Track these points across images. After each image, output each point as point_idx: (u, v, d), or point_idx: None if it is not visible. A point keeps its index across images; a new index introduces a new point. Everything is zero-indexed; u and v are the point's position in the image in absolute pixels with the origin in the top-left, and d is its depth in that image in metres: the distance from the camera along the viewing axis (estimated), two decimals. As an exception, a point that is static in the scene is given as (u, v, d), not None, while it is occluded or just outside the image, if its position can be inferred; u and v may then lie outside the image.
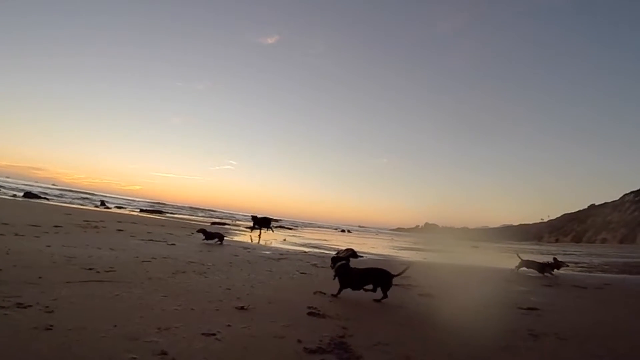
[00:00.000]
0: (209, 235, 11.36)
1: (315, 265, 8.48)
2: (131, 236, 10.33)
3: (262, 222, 18.75)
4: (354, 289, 5.02)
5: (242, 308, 3.92)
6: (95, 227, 11.86)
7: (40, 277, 4.19)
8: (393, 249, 21.57)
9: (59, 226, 10.39)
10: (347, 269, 5.11)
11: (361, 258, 12.29)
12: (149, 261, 6.27)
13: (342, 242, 22.43)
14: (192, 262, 6.69)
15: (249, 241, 14.84)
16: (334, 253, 13.03)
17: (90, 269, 5.02)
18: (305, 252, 12.37)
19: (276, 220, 57.68)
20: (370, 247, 20.06)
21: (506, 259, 20.65)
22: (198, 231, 11.80)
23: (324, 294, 5.22)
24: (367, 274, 5.14)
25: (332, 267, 5.17)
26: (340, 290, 5.04)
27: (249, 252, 9.91)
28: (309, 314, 4.05)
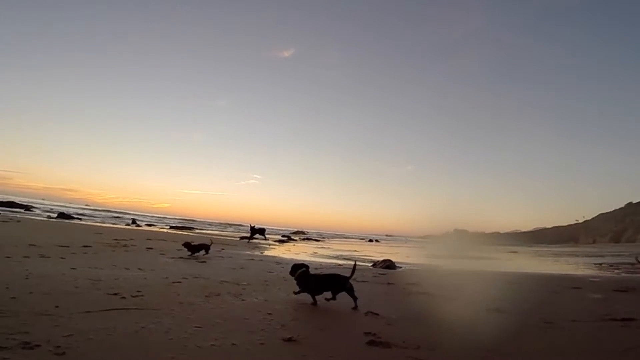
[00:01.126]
0: (193, 249, 10.07)
1: (354, 279, 7.77)
2: (160, 254, 9.91)
3: (259, 231, 23.20)
4: (313, 294, 5.07)
5: (290, 340, 3.28)
6: (125, 245, 11.54)
7: (57, 307, 3.68)
8: (429, 257, 20.54)
9: (87, 246, 10.09)
10: (307, 276, 5.22)
11: (400, 269, 11.48)
12: (180, 282, 5.73)
13: (374, 253, 21.59)
14: (225, 281, 6.13)
15: (281, 255, 14.29)
16: (369, 265, 12.32)
17: (115, 293, 4.50)
18: (339, 265, 11.68)
19: (303, 233, 57.54)
20: (405, 257, 19.12)
21: (552, 263, 19.33)
22: (183, 245, 10.47)
23: (377, 314, 4.54)
24: (325, 280, 5.20)
25: (292, 275, 5.29)
26: (299, 292, 5.16)
27: (282, 267, 9.29)
28: (370, 342, 3.39)
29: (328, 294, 5.01)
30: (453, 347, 3.47)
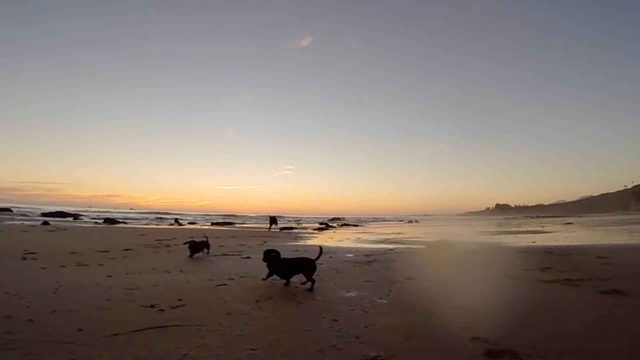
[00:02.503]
0: (195, 248, 8.42)
1: (414, 266, 6.94)
2: (204, 252, 9.41)
3: (274, 220, 25.66)
4: (282, 277, 5.16)
5: (375, 359, 2.49)
6: (167, 246, 11.20)
7: (80, 329, 3.06)
8: (482, 234, 19.31)
9: (129, 249, 9.76)
10: (277, 259, 5.25)
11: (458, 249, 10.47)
12: (225, 284, 5.09)
13: (419, 234, 20.61)
14: (273, 279, 5.44)
15: (324, 243, 13.60)
16: (423, 247, 11.41)
17: (152, 305, 3.89)
18: (390, 249, 10.82)
19: (340, 219, 56.91)
20: (455, 236, 17.98)
21: (621, 233, 17.57)
22: (185, 244, 8.75)
23: (468, 309, 3.70)
24: (293, 263, 5.21)
25: (264, 261, 5.28)
26: (268, 275, 5.25)
27: (330, 257, 8.57)
28: (488, 354, 2.54)
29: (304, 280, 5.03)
30: (618, 349, 2.57)
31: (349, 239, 16.81)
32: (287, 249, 10.62)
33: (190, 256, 8.21)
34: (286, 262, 5.24)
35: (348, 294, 4.53)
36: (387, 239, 16.12)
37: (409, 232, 22.28)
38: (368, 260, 7.87)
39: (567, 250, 9.40)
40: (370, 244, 13.83)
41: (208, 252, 8.78)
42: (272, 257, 5.25)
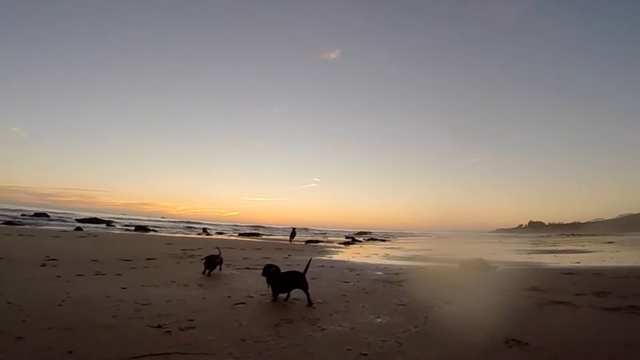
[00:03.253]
0: (211, 264, 7.34)
1: (451, 287, 6.33)
2: (226, 264, 9.08)
3: (294, 233, 26.94)
4: (282, 292, 5.01)
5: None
6: (191, 256, 10.97)
7: (70, 352, 2.70)
8: (519, 253, 18.22)
9: (152, 259, 9.57)
10: (277, 274, 5.07)
11: (497, 269, 9.71)
12: (243, 303, 4.68)
13: (450, 250, 19.65)
14: (296, 299, 4.98)
15: (351, 259, 13.06)
16: (456, 266, 10.68)
17: (159, 325, 3.51)
18: (421, 267, 10.18)
19: (366, 233, 55.89)
20: (490, 254, 16.99)
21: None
22: (202, 260, 7.53)
23: (526, 344, 3.14)
24: (289, 277, 5.03)
25: (264, 275, 5.12)
26: (275, 295, 5.00)
27: (357, 275, 8.05)
28: None
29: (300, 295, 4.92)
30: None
31: (376, 254, 16.20)
32: (312, 265, 10.17)
33: (206, 273, 7.14)
34: (283, 276, 5.08)
35: (378, 320, 4.02)
36: (417, 256, 15.42)
37: (439, 249, 21.38)
38: (398, 279, 7.30)
39: (618, 271, 8.50)
40: (399, 260, 13.19)
41: (220, 269, 7.63)
42: (271, 273, 5.07)
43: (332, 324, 3.81)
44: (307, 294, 4.85)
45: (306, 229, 64.77)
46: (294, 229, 27.80)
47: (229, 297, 5.03)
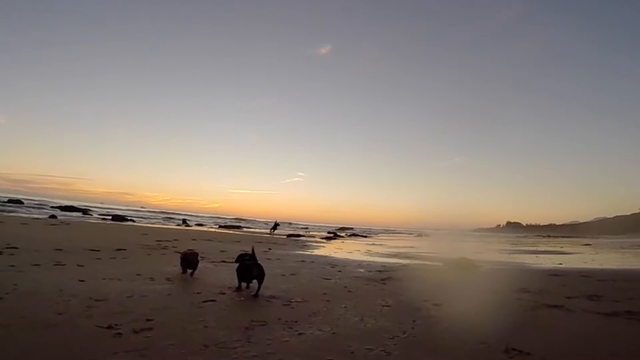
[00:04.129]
0: (190, 264, 5.95)
1: (438, 287, 5.99)
2: (201, 257, 8.55)
3: (276, 226, 27.50)
4: (246, 282, 4.99)
5: None
6: (165, 247, 10.41)
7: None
8: (501, 252, 18.16)
9: (122, 249, 8.98)
10: (245, 265, 5.03)
11: (480, 269, 9.45)
12: (213, 300, 4.21)
13: (433, 248, 19.43)
14: (273, 297, 4.55)
15: (332, 254, 12.68)
16: (440, 264, 10.42)
17: (110, 326, 3.02)
18: (405, 265, 9.85)
19: (348, 229, 55.77)
20: (473, 253, 16.85)
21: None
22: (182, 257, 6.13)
23: (529, 354, 2.78)
24: (252, 268, 4.89)
25: (236, 262, 5.23)
26: (239, 285, 5.01)
27: (339, 271, 7.65)
28: None
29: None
30: None
31: (358, 250, 15.87)
32: (292, 259, 9.74)
33: (188, 273, 5.91)
34: (247, 267, 5.00)
35: (362, 324, 3.60)
36: (399, 253, 15.14)
37: (421, 247, 21.19)
38: (382, 277, 6.93)
39: (603, 274, 8.31)
40: (381, 257, 12.86)
41: (193, 274, 5.89)
42: (243, 262, 5.08)
43: (311, 327, 3.38)
44: (259, 287, 4.75)
45: (289, 223, 64.33)
46: (276, 221, 28.38)
47: (198, 293, 4.56)
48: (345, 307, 4.26)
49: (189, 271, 5.94)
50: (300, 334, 3.16)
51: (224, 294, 4.62)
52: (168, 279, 5.40)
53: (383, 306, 4.38)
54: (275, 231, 26.65)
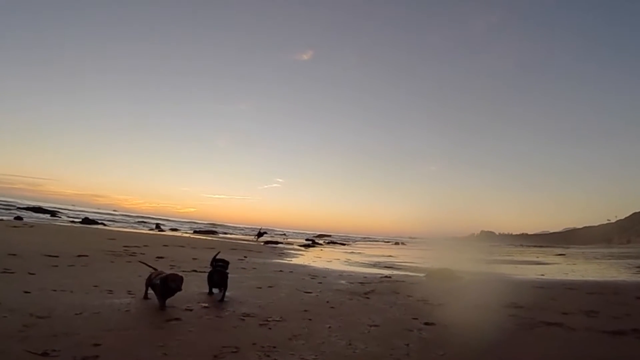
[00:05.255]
0: (167, 291, 4.09)
1: (425, 302, 5.61)
2: (170, 266, 7.94)
3: (262, 233, 27.66)
4: (215, 287, 5.02)
5: None
6: (132, 254, 9.70)
7: None
8: (479, 262, 17.98)
9: (83, 255, 8.26)
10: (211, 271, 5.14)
11: (463, 280, 9.13)
12: (178, 319, 3.66)
13: (412, 258, 19.27)
14: (247, 315, 4.04)
15: (312, 263, 12.20)
16: (421, 275, 10.09)
17: (45, 353, 2.48)
18: (386, 276, 9.46)
19: (326, 236, 55.31)
20: (453, 263, 16.64)
21: (623, 269, 16.40)
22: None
23: None
24: (213, 275, 5.05)
25: (211, 264, 5.26)
26: (210, 290, 5.11)
27: (320, 283, 7.19)
28: None
29: None
30: None
31: (338, 259, 15.42)
32: (269, 269, 9.22)
33: (160, 306, 4.09)
34: (210, 274, 5.18)
35: (351, 349, 3.11)
36: (379, 262, 14.78)
37: (400, 256, 20.99)
38: (365, 290, 6.49)
39: (589, 286, 8.10)
40: (362, 267, 12.45)
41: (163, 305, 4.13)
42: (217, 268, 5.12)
43: (292, 355, 2.88)
44: (223, 294, 4.85)
45: (267, 230, 63.31)
46: (260, 229, 28.61)
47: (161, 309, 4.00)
48: (329, 327, 3.78)
49: (160, 303, 4.12)
50: (279, 364, 2.67)
51: (191, 310, 4.07)
52: (129, 292, 4.80)
53: (370, 326, 3.93)
54: (261, 238, 26.56)
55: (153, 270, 4.64)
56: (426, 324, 4.12)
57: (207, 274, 5.29)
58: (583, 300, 6.10)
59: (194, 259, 9.82)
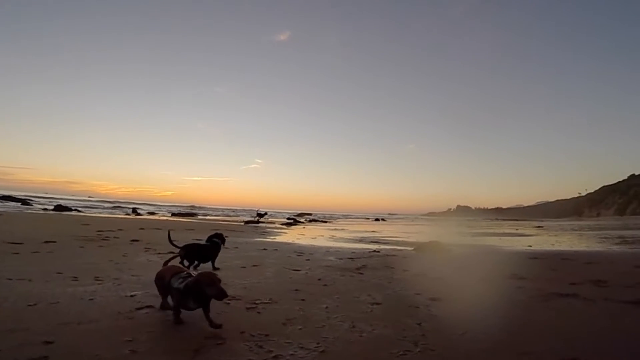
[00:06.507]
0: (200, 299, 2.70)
1: (424, 276, 5.26)
2: (145, 249, 7.37)
3: (263, 214, 27.58)
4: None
5: None
6: (105, 239, 9.04)
7: None
8: (464, 235, 18.01)
9: (50, 242, 7.59)
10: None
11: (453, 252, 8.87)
12: (150, 307, 3.13)
13: (395, 233, 19.12)
14: (233, 298, 3.55)
15: (296, 241, 11.80)
16: (410, 249, 9.81)
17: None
18: (375, 251, 9.12)
19: (307, 214, 55.14)
20: (437, 236, 16.55)
21: (607, 238, 16.66)
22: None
23: None
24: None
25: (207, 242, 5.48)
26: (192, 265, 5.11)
27: (307, 260, 6.77)
28: None
29: None
30: None
31: (322, 236, 15.08)
32: (253, 248, 8.74)
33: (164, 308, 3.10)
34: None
35: (357, 333, 2.66)
36: (364, 238, 14.52)
37: (384, 231, 20.83)
38: (357, 266, 6.10)
39: (583, 257, 7.93)
40: (348, 242, 12.13)
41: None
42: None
43: (289, 343, 2.41)
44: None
45: (246, 210, 62.70)
46: (258, 211, 28.43)
47: (131, 296, 3.47)
48: (326, 307, 3.33)
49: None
50: (275, 356, 2.21)
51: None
52: (97, 278, 4.25)
53: (372, 304, 3.51)
54: (260, 218, 26.80)
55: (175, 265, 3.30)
56: (431, 299, 3.74)
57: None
58: (584, 270, 5.86)
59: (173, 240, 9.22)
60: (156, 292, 3.07)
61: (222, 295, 2.52)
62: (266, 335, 2.50)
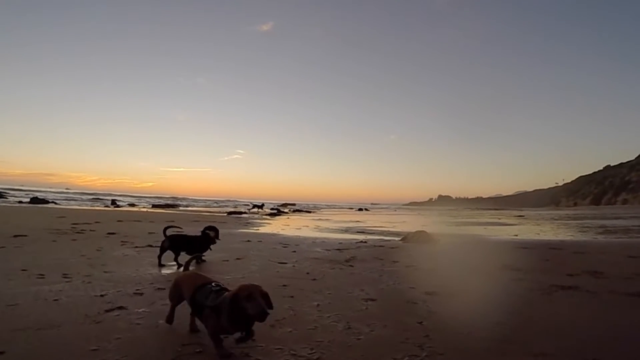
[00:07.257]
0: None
1: (415, 268, 5.06)
2: (122, 242, 6.98)
3: (260, 206, 29.89)
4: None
5: None
6: (81, 232, 8.61)
7: None
8: (448, 225, 18.04)
9: (20, 236, 7.15)
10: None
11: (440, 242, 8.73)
12: (122, 308, 2.81)
13: (380, 223, 19.04)
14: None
15: (280, 232, 11.53)
16: (397, 239, 9.65)
17: None
18: (362, 241, 8.91)
19: (291, 204, 54.89)
20: (420, 226, 16.50)
21: (591, 227, 16.88)
22: None
23: None
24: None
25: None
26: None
27: (294, 252, 6.51)
28: None
29: None
30: None
31: (307, 226, 14.86)
32: (236, 239, 8.42)
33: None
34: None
35: (354, 335, 2.38)
36: (350, 228, 14.35)
37: (368, 221, 20.73)
38: (345, 258, 5.86)
39: (569, 246, 7.87)
40: (334, 233, 11.91)
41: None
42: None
43: (279, 350, 2.13)
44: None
45: (229, 201, 61.98)
46: (251, 202, 31.24)
47: (102, 295, 3.14)
48: (317, 305, 3.06)
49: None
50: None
51: (141, 294, 3.24)
52: (65, 275, 3.89)
53: (366, 300, 3.26)
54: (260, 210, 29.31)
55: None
56: (428, 293, 3.52)
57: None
58: (577, 261, 5.75)
59: (151, 233, 8.83)
60: (130, 290, 2.71)
61: (262, 315, 1.88)
62: (253, 339, 2.22)
